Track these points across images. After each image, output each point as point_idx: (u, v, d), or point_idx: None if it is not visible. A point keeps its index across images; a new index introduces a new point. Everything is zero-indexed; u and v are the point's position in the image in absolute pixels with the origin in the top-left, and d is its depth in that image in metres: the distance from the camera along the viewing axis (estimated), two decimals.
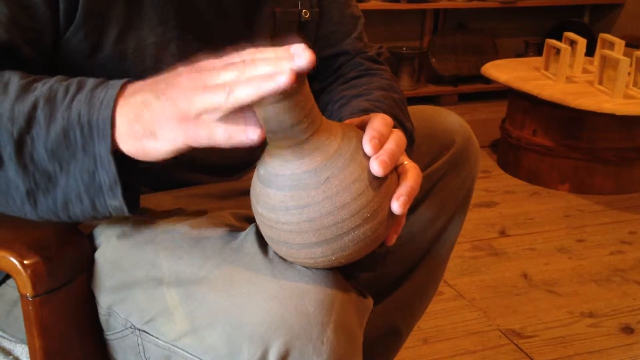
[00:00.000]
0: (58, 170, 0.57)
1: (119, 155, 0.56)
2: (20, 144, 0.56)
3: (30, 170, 0.57)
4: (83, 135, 0.56)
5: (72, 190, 0.58)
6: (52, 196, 0.59)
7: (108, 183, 0.57)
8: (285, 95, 0.51)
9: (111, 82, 0.57)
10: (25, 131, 0.56)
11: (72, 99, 0.57)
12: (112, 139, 0.55)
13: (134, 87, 0.56)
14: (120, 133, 0.55)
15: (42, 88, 0.58)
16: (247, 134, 0.51)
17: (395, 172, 0.61)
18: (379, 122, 0.61)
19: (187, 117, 0.52)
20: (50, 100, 0.57)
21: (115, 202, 0.58)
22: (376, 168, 0.57)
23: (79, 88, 0.57)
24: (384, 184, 0.58)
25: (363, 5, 2.96)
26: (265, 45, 0.52)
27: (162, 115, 0.53)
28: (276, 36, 0.83)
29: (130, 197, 0.59)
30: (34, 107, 0.56)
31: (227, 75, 0.51)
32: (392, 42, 3.22)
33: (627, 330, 1.57)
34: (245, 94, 0.49)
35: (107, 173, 0.56)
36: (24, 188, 0.58)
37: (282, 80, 0.48)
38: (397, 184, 0.60)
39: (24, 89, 0.57)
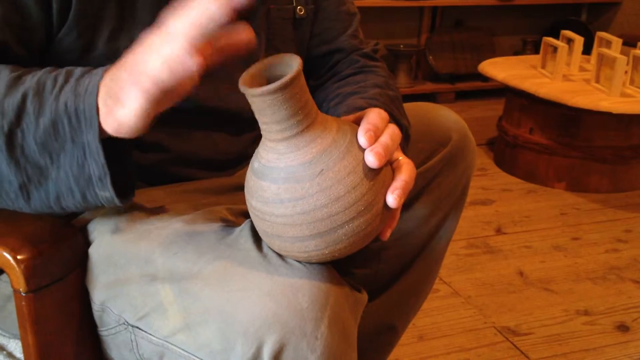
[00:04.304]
0: (49, 163, 0.57)
1: (109, 146, 0.57)
2: (11, 138, 0.56)
3: (22, 164, 0.57)
4: (71, 125, 0.56)
5: (63, 183, 0.58)
6: (44, 189, 0.59)
7: (97, 174, 0.57)
8: (279, 87, 0.51)
9: (95, 70, 0.58)
10: (15, 125, 0.56)
11: (60, 90, 0.57)
12: (99, 126, 0.56)
13: (111, 69, 0.57)
14: (101, 115, 0.56)
15: (31, 80, 0.58)
16: (187, 60, 0.52)
17: (390, 167, 0.61)
18: (374, 115, 0.61)
19: (139, 73, 0.53)
20: (39, 92, 0.57)
21: (106, 192, 0.58)
22: (371, 160, 0.57)
23: (66, 78, 0.58)
24: (378, 177, 0.58)
25: (360, 2, 2.96)
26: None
27: (124, 82, 0.54)
28: (271, 33, 0.83)
29: (122, 187, 0.59)
30: (23, 100, 0.57)
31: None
32: (390, 40, 3.22)
33: (622, 328, 1.57)
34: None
35: (96, 163, 0.57)
36: (17, 182, 0.58)
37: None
38: (392, 179, 0.60)
39: (14, 82, 0.58)
